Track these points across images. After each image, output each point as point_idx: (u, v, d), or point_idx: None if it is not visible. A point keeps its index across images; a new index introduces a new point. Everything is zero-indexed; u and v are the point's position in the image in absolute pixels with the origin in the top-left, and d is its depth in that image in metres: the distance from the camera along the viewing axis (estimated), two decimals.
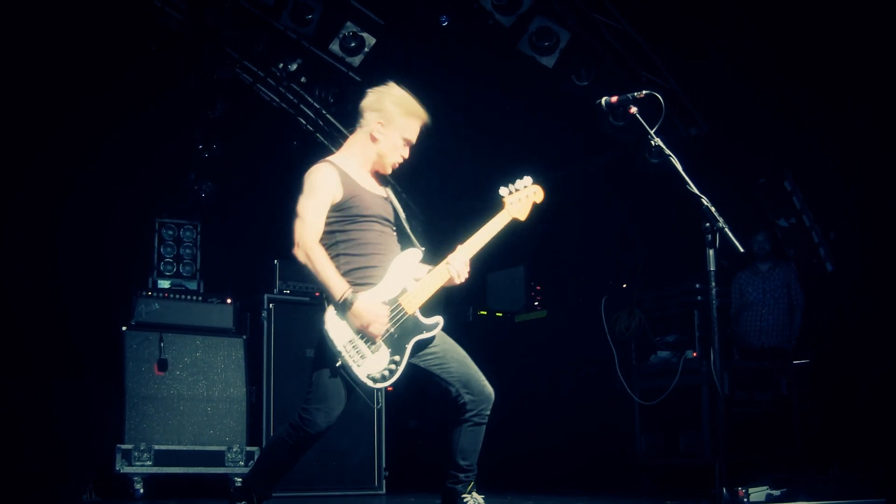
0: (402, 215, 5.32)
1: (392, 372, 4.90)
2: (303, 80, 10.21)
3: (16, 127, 8.61)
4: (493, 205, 5.35)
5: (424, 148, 5.40)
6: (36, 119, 8.69)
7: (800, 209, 9.64)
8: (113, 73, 9.03)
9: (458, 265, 5.11)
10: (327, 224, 5.00)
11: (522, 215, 5.37)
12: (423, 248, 5.26)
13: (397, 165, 5.27)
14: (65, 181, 8.88)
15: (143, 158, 9.33)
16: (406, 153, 5.25)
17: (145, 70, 9.29)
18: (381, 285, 4.99)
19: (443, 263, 5.14)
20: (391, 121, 5.13)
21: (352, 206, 5.02)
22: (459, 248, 5.17)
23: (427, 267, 5.21)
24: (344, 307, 4.79)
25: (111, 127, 9.08)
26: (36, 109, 8.68)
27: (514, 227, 5.34)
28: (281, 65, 9.99)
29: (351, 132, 5.36)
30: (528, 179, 5.42)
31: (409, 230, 5.31)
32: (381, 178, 5.34)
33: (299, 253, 4.89)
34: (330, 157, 5.20)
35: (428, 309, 5.11)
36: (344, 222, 5.02)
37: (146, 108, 9.30)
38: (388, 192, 5.32)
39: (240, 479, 7.95)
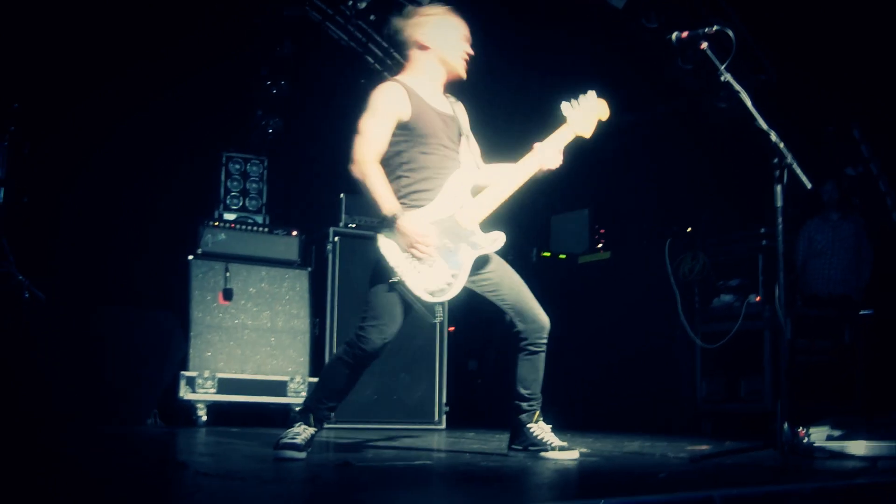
0: (467, 131, 5.27)
1: (450, 286, 4.87)
2: (371, 17, 10.18)
3: (87, 63, 8.73)
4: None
5: (492, 90, 5.31)
6: (107, 55, 8.78)
7: (867, 157, 9.55)
8: (183, 11, 9.08)
9: (550, 151, 5.10)
10: (393, 143, 4.99)
11: (587, 132, 5.25)
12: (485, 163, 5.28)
13: (467, 62, 5.20)
14: (135, 116, 8.98)
15: (212, 95, 9.40)
16: (467, 46, 5.17)
17: (215, 7, 9.34)
18: (433, 205, 4.96)
19: (527, 157, 5.11)
20: (427, 22, 5.09)
21: (416, 127, 5.00)
22: (537, 144, 5.13)
23: (500, 168, 5.22)
24: (391, 225, 4.78)
25: (181, 64, 9.13)
26: (110, 45, 8.78)
27: (578, 170, 5.28)
28: (350, 2, 9.98)
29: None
30: (591, 94, 5.26)
31: (472, 147, 5.29)
32: (452, 96, 5.30)
33: (355, 169, 4.86)
34: (398, 76, 5.19)
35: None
36: (407, 143, 5.00)
37: (215, 45, 9.35)
38: (456, 110, 5.26)
39: None
